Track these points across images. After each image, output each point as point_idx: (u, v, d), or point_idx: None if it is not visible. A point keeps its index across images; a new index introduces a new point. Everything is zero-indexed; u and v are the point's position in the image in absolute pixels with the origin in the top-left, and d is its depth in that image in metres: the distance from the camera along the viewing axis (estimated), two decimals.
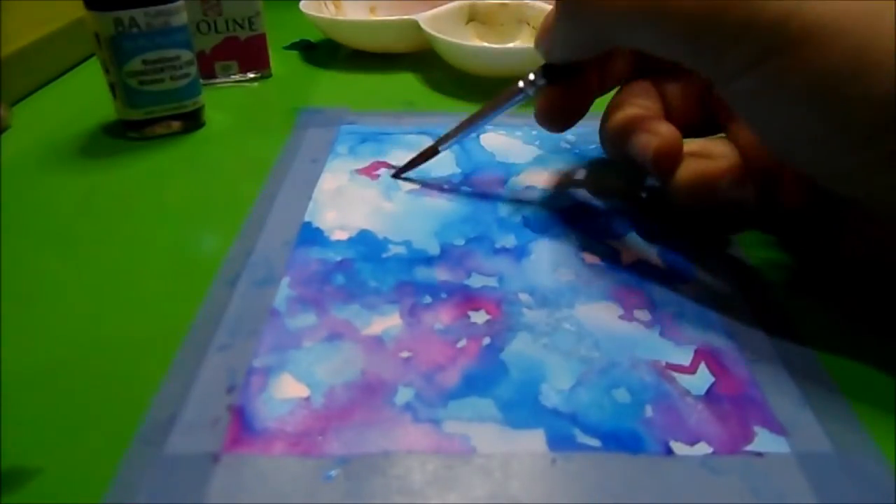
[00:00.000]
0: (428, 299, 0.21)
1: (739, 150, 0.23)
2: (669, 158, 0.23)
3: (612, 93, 0.27)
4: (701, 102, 0.25)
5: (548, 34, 0.23)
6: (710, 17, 0.17)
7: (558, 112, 0.25)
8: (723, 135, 0.24)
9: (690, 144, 0.23)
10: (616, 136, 0.25)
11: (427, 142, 0.31)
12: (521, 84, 0.25)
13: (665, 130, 0.23)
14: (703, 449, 0.17)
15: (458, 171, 0.29)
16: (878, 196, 0.18)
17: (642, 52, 0.21)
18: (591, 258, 0.23)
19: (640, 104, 0.25)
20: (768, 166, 0.22)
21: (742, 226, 0.25)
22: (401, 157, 0.30)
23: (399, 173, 0.29)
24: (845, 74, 0.16)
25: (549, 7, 0.42)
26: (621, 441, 0.17)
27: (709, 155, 0.23)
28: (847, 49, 0.16)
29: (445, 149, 0.28)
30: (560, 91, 0.25)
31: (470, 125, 0.27)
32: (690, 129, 0.25)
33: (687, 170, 0.23)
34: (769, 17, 0.16)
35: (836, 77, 0.16)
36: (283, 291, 0.22)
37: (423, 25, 0.39)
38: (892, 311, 0.21)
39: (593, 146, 0.31)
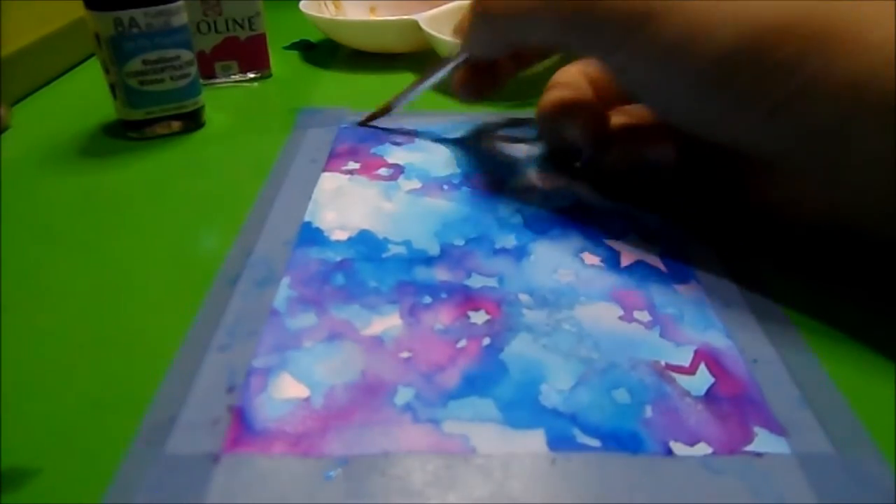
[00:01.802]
0: (428, 299, 0.21)
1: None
2: (598, 132, 0.27)
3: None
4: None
5: (464, 34, 0.28)
6: (578, 12, 0.22)
7: (474, 87, 0.30)
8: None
9: (616, 113, 0.27)
10: (549, 121, 0.28)
11: (427, 142, 0.32)
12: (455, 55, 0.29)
13: (593, 112, 0.27)
14: (702, 449, 0.17)
15: (458, 171, 0.29)
16: (745, 141, 0.21)
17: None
18: (591, 258, 0.23)
19: (568, 86, 0.28)
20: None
21: (666, 181, 0.28)
22: (401, 157, 0.30)
23: (362, 123, 0.33)
24: (689, 39, 0.20)
25: None
26: (621, 441, 0.17)
27: (631, 120, 0.27)
28: (687, 18, 0.20)
29: (397, 106, 0.32)
30: (475, 70, 0.29)
31: (416, 86, 0.31)
32: (617, 101, 0.28)
33: (620, 137, 0.26)
34: (623, 6, 0.21)
35: (684, 41, 0.20)
36: (283, 291, 0.22)
37: (423, 25, 0.39)
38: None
39: None
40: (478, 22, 0.26)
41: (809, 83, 0.18)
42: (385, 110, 0.33)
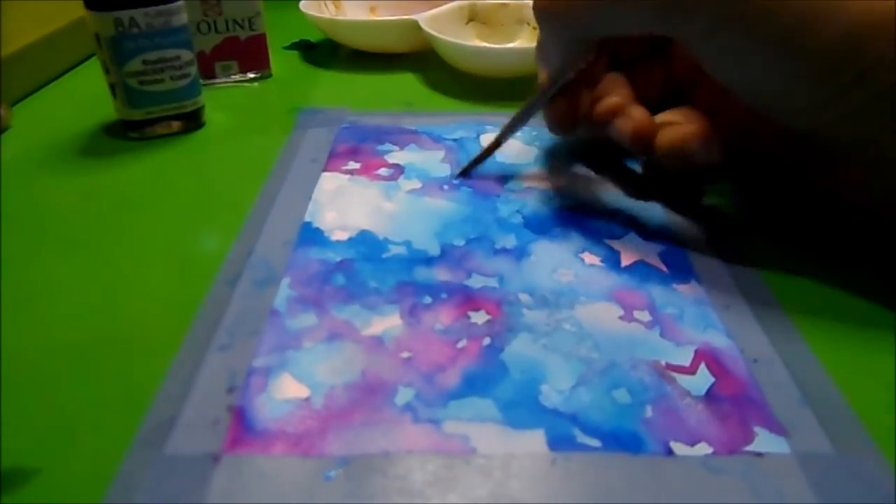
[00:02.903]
0: (428, 299, 0.21)
1: (705, 112, 0.25)
2: (643, 137, 0.25)
3: None
4: (663, 83, 0.28)
5: (539, 52, 0.26)
6: None
7: (568, 119, 0.28)
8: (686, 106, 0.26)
9: (663, 116, 0.26)
10: (599, 124, 0.27)
11: (427, 142, 0.32)
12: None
13: (637, 113, 0.25)
14: (703, 449, 0.17)
15: (458, 171, 0.29)
16: (833, 131, 0.21)
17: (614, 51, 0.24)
18: (590, 258, 0.23)
19: (615, 93, 0.27)
20: (735, 122, 0.24)
21: (713, 179, 0.28)
22: (401, 157, 0.30)
23: (465, 172, 0.29)
24: (796, 25, 0.19)
25: None
26: (621, 441, 0.17)
27: (679, 122, 0.25)
28: (796, 8, 0.19)
29: (505, 141, 0.29)
30: (563, 102, 0.27)
31: (520, 120, 0.28)
32: (657, 107, 0.27)
33: (664, 137, 0.25)
34: None
35: (790, 28, 0.19)
36: (284, 292, 0.22)
37: (423, 25, 0.39)
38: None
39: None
40: (548, 20, 0.24)
41: None
42: (492, 149, 0.29)
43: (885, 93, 0.19)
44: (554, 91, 0.26)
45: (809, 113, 0.21)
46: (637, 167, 0.30)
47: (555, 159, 0.30)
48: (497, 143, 0.29)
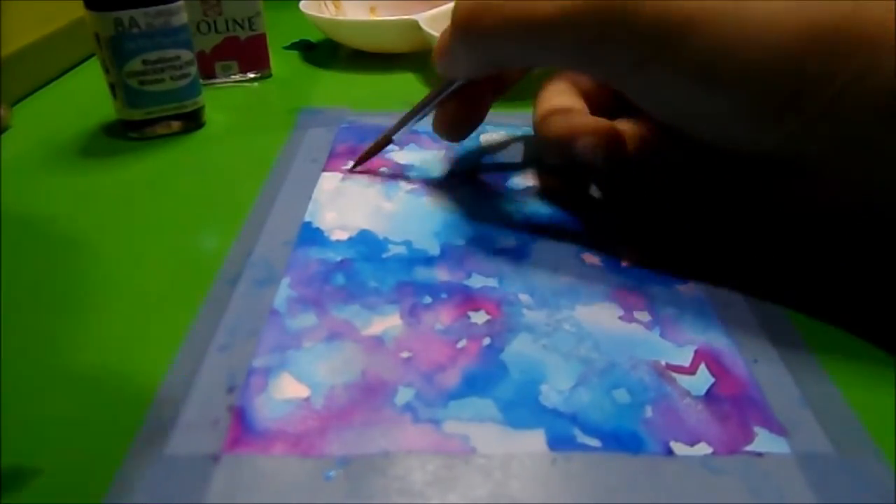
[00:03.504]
0: (428, 299, 0.21)
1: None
2: (616, 150, 0.24)
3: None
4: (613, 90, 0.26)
5: (444, 56, 0.24)
6: (599, 27, 0.19)
7: (455, 124, 0.26)
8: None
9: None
10: (559, 145, 0.25)
11: (428, 142, 0.32)
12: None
13: (604, 128, 0.24)
14: (703, 449, 0.17)
15: (459, 171, 0.29)
16: (781, 155, 0.20)
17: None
18: (591, 259, 0.23)
19: (566, 104, 0.26)
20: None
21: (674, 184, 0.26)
22: (401, 157, 0.30)
23: (355, 166, 0.29)
24: (721, 54, 0.18)
25: None
26: (621, 441, 0.17)
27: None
28: (717, 31, 0.18)
29: (397, 138, 0.29)
30: (456, 103, 0.26)
31: (412, 116, 0.28)
32: (610, 113, 0.26)
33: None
34: (648, 19, 0.18)
35: (715, 57, 0.18)
36: (284, 291, 0.22)
37: (423, 25, 0.39)
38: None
39: None
40: (464, 38, 0.22)
41: (846, 92, 0.17)
42: (382, 144, 0.29)
43: (825, 114, 0.18)
44: (445, 95, 0.26)
45: (748, 141, 0.20)
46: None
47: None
48: (387, 140, 0.29)
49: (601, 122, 0.24)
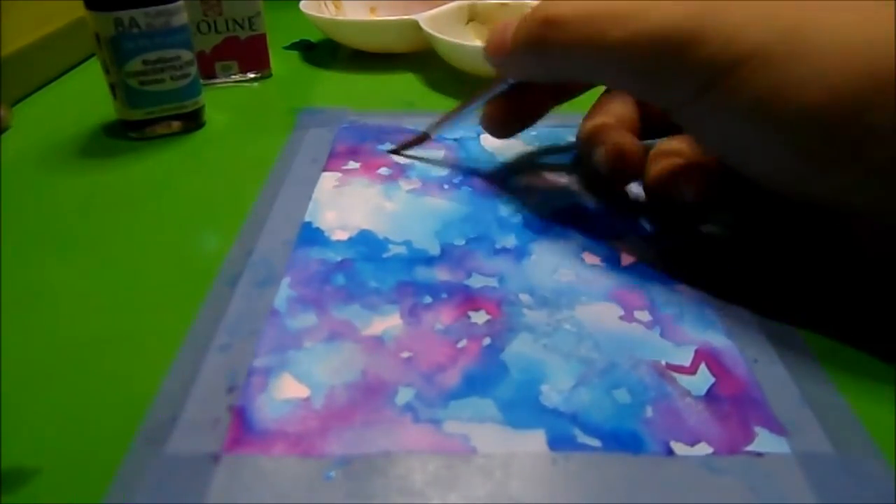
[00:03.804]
0: (428, 299, 0.21)
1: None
2: (623, 168, 0.25)
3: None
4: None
5: (503, 55, 0.24)
6: (661, 56, 0.19)
7: (503, 122, 0.27)
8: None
9: (667, 142, 0.25)
10: (582, 147, 0.27)
11: (427, 141, 0.32)
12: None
13: (618, 139, 0.25)
14: (703, 449, 0.17)
15: (459, 170, 0.29)
16: (833, 201, 0.19)
17: None
18: (591, 258, 0.23)
19: (612, 112, 0.27)
20: None
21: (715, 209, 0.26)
22: (401, 157, 0.30)
23: (395, 151, 0.30)
24: (776, 94, 0.18)
25: None
26: (622, 441, 0.17)
27: (679, 153, 0.25)
28: (775, 70, 0.18)
29: (436, 135, 0.30)
30: (509, 101, 0.26)
31: (458, 112, 0.28)
32: (670, 129, 0.26)
33: (652, 170, 0.25)
34: (708, 51, 0.18)
35: (770, 97, 0.18)
36: (284, 291, 0.22)
37: (423, 25, 0.39)
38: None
39: None
40: (538, 48, 0.22)
41: None
42: (421, 139, 0.30)
43: (885, 168, 0.17)
44: (497, 92, 0.26)
45: (802, 183, 0.19)
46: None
47: (555, 159, 0.30)
48: (426, 136, 0.30)
49: (621, 136, 0.25)
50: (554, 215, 0.26)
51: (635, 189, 0.28)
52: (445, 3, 0.43)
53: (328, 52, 0.45)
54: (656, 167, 0.25)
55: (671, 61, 0.19)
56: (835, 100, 0.17)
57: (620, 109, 0.27)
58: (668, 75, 0.20)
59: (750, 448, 0.17)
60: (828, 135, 0.17)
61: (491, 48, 0.24)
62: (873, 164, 0.17)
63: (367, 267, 0.23)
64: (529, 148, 0.31)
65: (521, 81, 0.25)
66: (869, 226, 0.21)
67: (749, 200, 0.25)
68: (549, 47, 0.22)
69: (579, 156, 0.29)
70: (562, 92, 0.27)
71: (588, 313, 0.21)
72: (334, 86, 0.40)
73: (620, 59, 0.20)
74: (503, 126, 0.27)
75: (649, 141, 0.27)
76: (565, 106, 0.28)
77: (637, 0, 0.20)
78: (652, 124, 0.27)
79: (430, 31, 0.39)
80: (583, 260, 0.23)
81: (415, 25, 0.40)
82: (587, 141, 0.26)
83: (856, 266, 0.22)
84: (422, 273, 0.23)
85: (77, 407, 0.18)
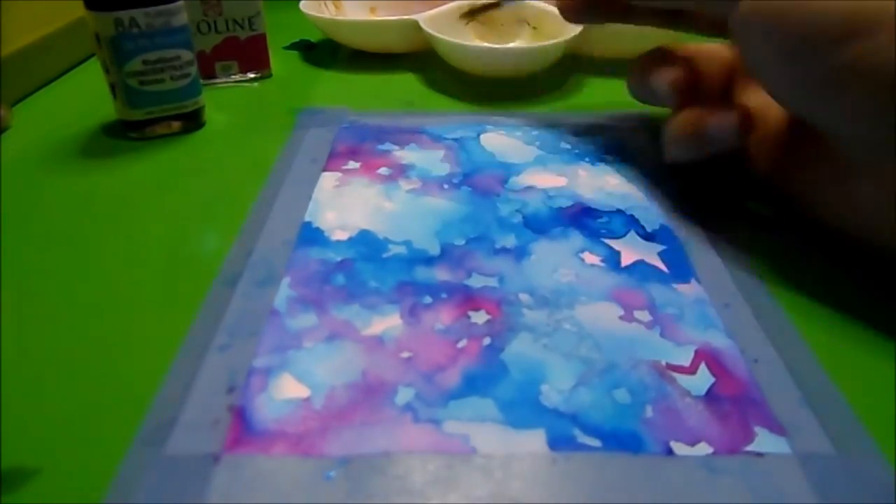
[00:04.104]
0: (428, 299, 0.21)
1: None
2: (683, 86, 0.26)
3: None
4: (725, 75, 0.27)
5: None
6: None
7: (582, 5, 0.28)
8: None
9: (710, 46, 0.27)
10: (641, 70, 0.27)
11: (427, 140, 0.32)
12: None
13: (683, 63, 0.26)
14: (703, 449, 0.17)
15: (458, 170, 0.29)
16: (870, 139, 0.20)
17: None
18: (591, 258, 0.23)
19: (668, 51, 0.27)
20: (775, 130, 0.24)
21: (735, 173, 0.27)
22: (402, 157, 0.30)
23: (467, 14, 0.32)
24: (839, 32, 0.18)
25: (549, 7, 0.42)
26: (622, 441, 0.17)
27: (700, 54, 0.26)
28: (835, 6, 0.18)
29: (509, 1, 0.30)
30: None
31: None
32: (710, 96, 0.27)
33: (680, 118, 0.25)
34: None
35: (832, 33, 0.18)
36: (284, 291, 0.22)
37: (423, 25, 0.39)
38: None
39: (593, 146, 0.31)
40: None
41: None
42: (496, 3, 0.31)
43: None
44: None
45: (836, 119, 0.20)
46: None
47: (555, 159, 0.30)
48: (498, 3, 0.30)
49: (684, 60, 0.26)
50: (554, 215, 0.26)
51: (636, 187, 0.28)
52: (445, 3, 0.43)
53: (328, 52, 0.45)
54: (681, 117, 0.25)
55: None
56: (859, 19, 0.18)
57: (676, 54, 0.27)
58: None
59: (750, 448, 0.17)
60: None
61: None
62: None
63: (367, 267, 0.23)
64: (529, 148, 0.31)
65: None
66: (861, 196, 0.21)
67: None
68: None
69: (636, 88, 0.29)
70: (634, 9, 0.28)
71: (588, 313, 0.21)
72: (334, 86, 0.40)
73: None
74: (579, 12, 0.28)
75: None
76: (564, 105, 0.28)
77: None
78: (699, 84, 0.27)
79: (430, 31, 0.39)
80: (583, 260, 0.23)
81: (415, 25, 0.40)
82: (645, 64, 0.27)
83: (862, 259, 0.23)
84: (422, 273, 0.23)
85: (77, 407, 0.18)
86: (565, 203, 0.27)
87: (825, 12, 0.18)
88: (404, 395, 0.18)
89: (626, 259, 0.23)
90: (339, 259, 0.23)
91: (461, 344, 0.20)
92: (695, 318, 0.21)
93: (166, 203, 0.27)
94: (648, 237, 0.25)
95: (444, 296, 0.22)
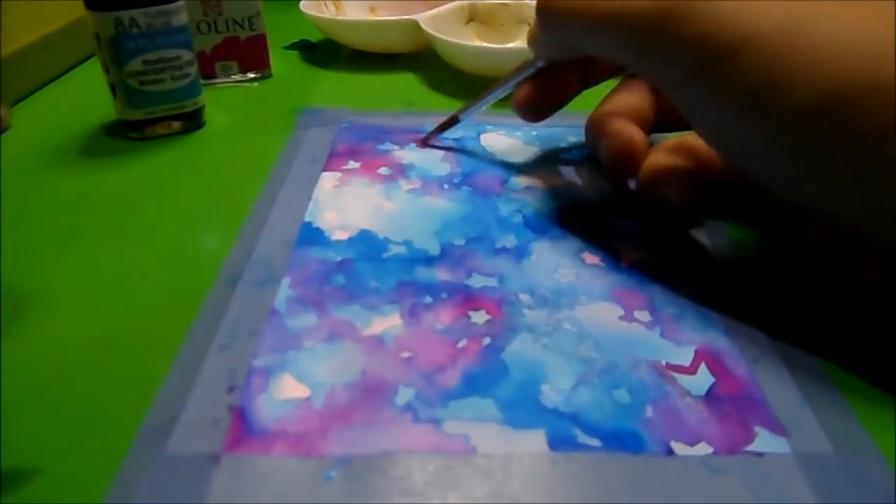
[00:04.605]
0: (428, 299, 0.21)
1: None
2: (624, 162, 0.25)
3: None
4: None
5: (530, 36, 0.26)
6: (650, 31, 0.19)
7: (534, 104, 0.27)
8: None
9: (679, 138, 0.25)
10: (589, 134, 0.27)
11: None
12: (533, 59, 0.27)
13: (623, 131, 0.25)
14: (703, 449, 0.17)
15: (458, 170, 0.29)
16: (821, 205, 0.19)
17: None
18: (591, 258, 0.23)
19: (623, 102, 0.27)
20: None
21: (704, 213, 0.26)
22: (402, 157, 0.30)
23: (426, 139, 0.31)
24: (769, 85, 0.17)
25: None
26: (622, 441, 0.17)
27: (686, 150, 0.24)
28: (768, 61, 0.17)
29: (465, 118, 0.30)
30: (539, 83, 0.27)
31: (486, 96, 0.29)
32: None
33: (644, 167, 0.24)
34: (699, 32, 0.18)
35: (762, 87, 0.17)
36: (284, 292, 0.22)
37: (423, 25, 0.39)
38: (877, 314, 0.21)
39: None
40: (542, 21, 0.23)
41: None
42: (452, 122, 0.30)
43: (871, 175, 0.17)
44: (525, 76, 0.27)
45: (791, 182, 0.19)
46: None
47: (555, 159, 0.30)
48: (455, 119, 0.30)
49: (626, 127, 0.25)
50: (554, 215, 0.26)
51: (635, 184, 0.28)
52: (445, 3, 0.43)
53: (328, 52, 0.45)
54: (646, 165, 0.24)
55: (661, 36, 0.19)
56: (828, 98, 0.16)
57: (633, 100, 0.27)
58: (660, 51, 0.19)
59: (750, 448, 0.17)
60: (816, 133, 0.17)
61: (529, 32, 0.26)
62: (862, 170, 0.17)
63: (367, 267, 0.23)
64: (529, 148, 0.31)
65: (548, 63, 0.26)
66: (869, 244, 0.20)
67: (746, 209, 0.25)
68: (549, 19, 0.23)
69: (586, 144, 0.29)
70: (588, 74, 0.27)
71: (588, 313, 0.21)
72: (334, 86, 0.40)
73: (608, 31, 0.20)
74: (533, 109, 0.27)
75: (658, 134, 0.27)
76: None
77: None
78: (667, 119, 0.27)
79: (430, 31, 0.39)
80: (583, 260, 0.23)
81: (415, 25, 0.40)
82: (594, 129, 0.27)
83: (852, 284, 0.22)
84: (422, 273, 0.23)
85: (77, 407, 0.18)
86: (565, 203, 0.27)
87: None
88: (404, 395, 0.18)
89: (627, 259, 0.23)
90: (339, 259, 0.23)
91: (461, 344, 0.20)
92: (695, 318, 0.21)
93: (166, 203, 0.27)
94: (648, 237, 0.25)
95: (444, 296, 0.22)
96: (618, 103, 0.27)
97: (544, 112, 0.27)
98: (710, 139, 0.21)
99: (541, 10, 0.23)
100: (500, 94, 0.28)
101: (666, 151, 0.25)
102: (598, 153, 0.26)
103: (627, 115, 0.26)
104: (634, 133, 0.25)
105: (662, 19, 0.19)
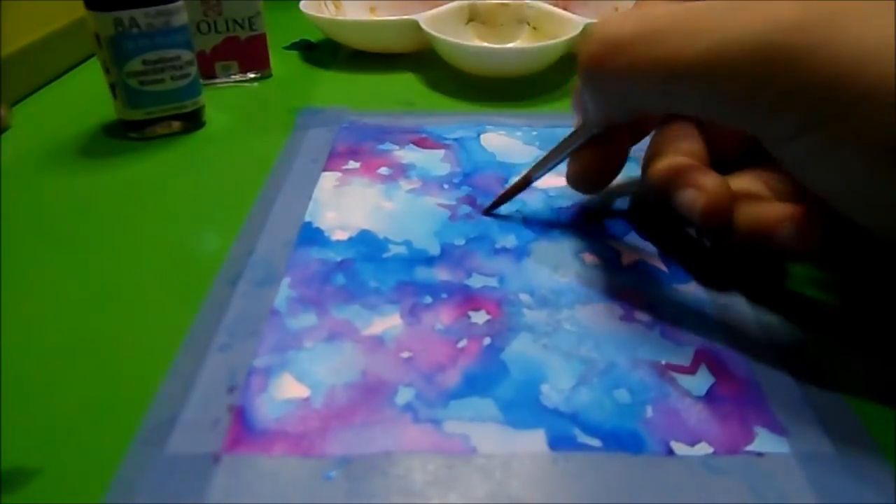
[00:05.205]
0: (428, 299, 0.21)
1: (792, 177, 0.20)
2: (718, 217, 0.21)
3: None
4: (745, 136, 0.21)
5: (576, 103, 0.22)
6: (755, 82, 0.16)
7: (593, 175, 0.24)
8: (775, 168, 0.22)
9: (740, 180, 0.22)
10: (660, 189, 0.22)
11: (427, 140, 0.32)
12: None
13: (711, 184, 0.21)
14: (703, 449, 0.17)
15: (458, 170, 0.29)
16: None
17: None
18: (591, 258, 0.23)
19: (682, 149, 0.23)
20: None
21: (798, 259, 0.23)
22: (402, 157, 0.30)
23: (491, 209, 0.26)
24: None
25: (549, 7, 0.42)
26: (622, 441, 0.17)
27: (763, 196, 0.21)
28: None
29: (538, 178, 0.26)
30: (593, 152, 0.23)
31: (545, 165, 0.25)
32: (738, 162, 0.23)
33: (745, 216, 0.21)
34: (820, 82, 0.15)
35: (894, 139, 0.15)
36: (284, 292, 0.22)
37: (423, 25, 0.39)
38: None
39: None
40: (594, 83, 0.20)
41: None
42: (524, 183, 0.26)
43: None
44: (581, 143, 0.23)
45: None
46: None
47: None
48: (527, 181, 0.26)
49: (711, 179, 0.21)
50: (554, 215, 0.26)
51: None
52: (445, 3, 0.43)
53: (328, 52, 0.45)
54: (749, 213, 0.21)
55: (766, 90, 0.16)
56: None
57: (689, 145, 0.23)
58: (763, 106, 0.16)
59: (750, 448, 0.17)
60: None
61: (574, 97, 0.23)
62: None
63: (367, 267, 0.23)
64: (529, 148, 0.31)
65: (601, 129, 0.22)
66: None
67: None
68: (603, 79, 0.19)
69: (641, 197, 0.26)
70: (640, 130, 0.25)
71: (588, 313, 0.21)
72: (334, 86, 0.40)
73: (698, 83, 0.17)
74: (592, 182, 0.24)
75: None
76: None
77: (717, 1, 0.16)
78: (720, 159, 0.23)
79: (430, 31, 0.39)
80: (583, 260, 0.23)
81: (415, 25, 0.40)
82: (667, 182, 0.22)
83: None
84: (422, 273, 0.23)
85: (77, 407, 0.18)
86: (565, 203, 0.27)
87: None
88: (404, 395, 0.18)
89: (626, 259, 0.23)
90: (339, 259, 0.23)
91: (461, 344, 0.20)
92: (695, 318, 0.21)
93: (166, 203, 0.27)
94: (649, 237, 0.25)
95: (444, 296, 0.22)
96: (677, 151, 0.23)
97: (605, 183, 0.24)
98: (832, 196, 0.18)
99: (590, 71, 0.19)
100: (560, 160, 0.24)
101: (751, 194, 0.22)
102: (678, 207, 0.22)
103: (697, 164, 0.23)
104: (724, 186, 0.21)
105: (770, 65, 0.16)
